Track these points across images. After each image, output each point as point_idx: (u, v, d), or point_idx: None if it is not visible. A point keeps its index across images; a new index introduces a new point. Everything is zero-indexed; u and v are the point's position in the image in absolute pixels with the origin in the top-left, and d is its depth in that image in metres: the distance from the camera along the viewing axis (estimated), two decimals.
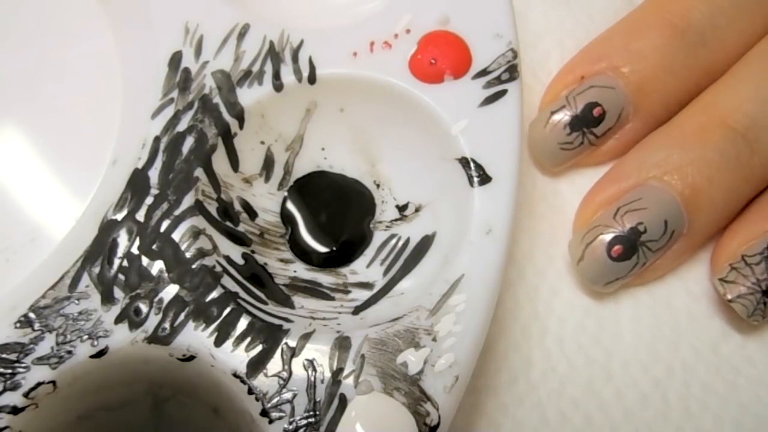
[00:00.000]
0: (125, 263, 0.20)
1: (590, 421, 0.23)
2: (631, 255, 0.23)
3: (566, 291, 0.24)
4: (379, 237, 0.23)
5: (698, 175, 0.23)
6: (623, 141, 0.25)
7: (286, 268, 0.22)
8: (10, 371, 0.19)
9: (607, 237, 0.23)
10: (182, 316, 0.20)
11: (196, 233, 0.21)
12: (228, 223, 0.22)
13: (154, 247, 0.20)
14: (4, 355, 0.19)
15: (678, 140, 0.24)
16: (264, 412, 0.19)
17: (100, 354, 0.20)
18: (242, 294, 0.21)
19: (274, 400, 0.19)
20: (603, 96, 0.24)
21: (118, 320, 0.20)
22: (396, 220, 0.23)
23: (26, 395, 0.19)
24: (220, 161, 0.22)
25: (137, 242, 0.21)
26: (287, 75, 0.22)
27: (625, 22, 0.26)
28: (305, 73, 0.22)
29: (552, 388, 0.23)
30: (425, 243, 0.22)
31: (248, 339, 0.20)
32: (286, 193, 0.23)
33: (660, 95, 0.24)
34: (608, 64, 0.24)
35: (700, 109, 0.24)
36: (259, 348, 0.20)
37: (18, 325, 0.20)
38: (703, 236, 0.24)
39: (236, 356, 0.19)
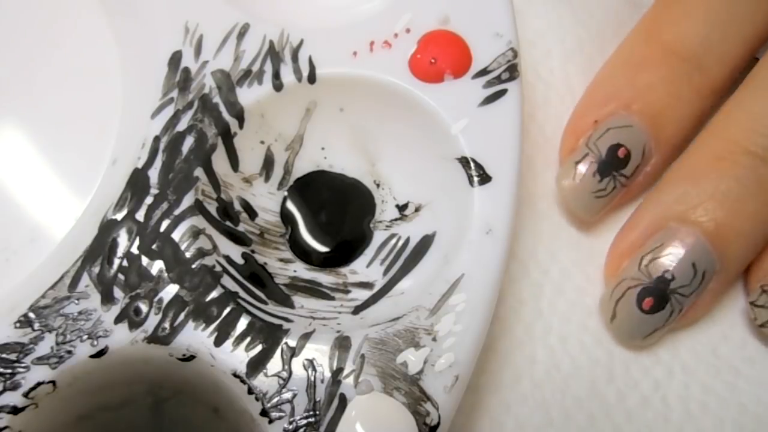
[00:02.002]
0: (125, 263, 0.20)
1: (593, 421, 0.23)
2: (663, 305, 0.22)
3: (569, 289, 0.24)
4: (379, 237, 0.23)
5: (720, 209, 0.22)
6: (651, 176, 0.24)
7: (286, 267, 0.22)
8: (10, 371, 0.19)
9: (636, 291, 0.22)
10: (182, 316, 0.20)
11: (196, 233, 0.21)
12: (228, 223, 0.22)
13: (154, 246, 0.20)
14: (4, 355, 0.19)
15: (692, 174, 0.23)
16: (264, 412, 0.19)
17: (100, 354, 0.20)
18: (242, 294, 0.21)
19: (274, 400, 0.19)
20: (623, 136, 0.23)
21: (118, 320, 0.20)
22: (396, 219, 0.23)
23: (26, 395, 0.19)
24: (219, 161, 0.22)
25: (137, 242, 0.21)
26: (287, 74, 0.22)
27: (622, 57, 0.25)
28: (305, 73, 0.22)
29: (556, 387, 0.23)
30: (425, 242, 0.22)
31: (248, 339, 0.20)
32: (286, 193, 0.23)
33: (676, 124, 0.24)
34: (618, 103, 0.24)
35: (711, 136, 0.23)
36: (259, 348, 0.20)
37: (18, 325, 0.20)
38: (738, 268, 0.23)
39: (236, 356, 0.19)
